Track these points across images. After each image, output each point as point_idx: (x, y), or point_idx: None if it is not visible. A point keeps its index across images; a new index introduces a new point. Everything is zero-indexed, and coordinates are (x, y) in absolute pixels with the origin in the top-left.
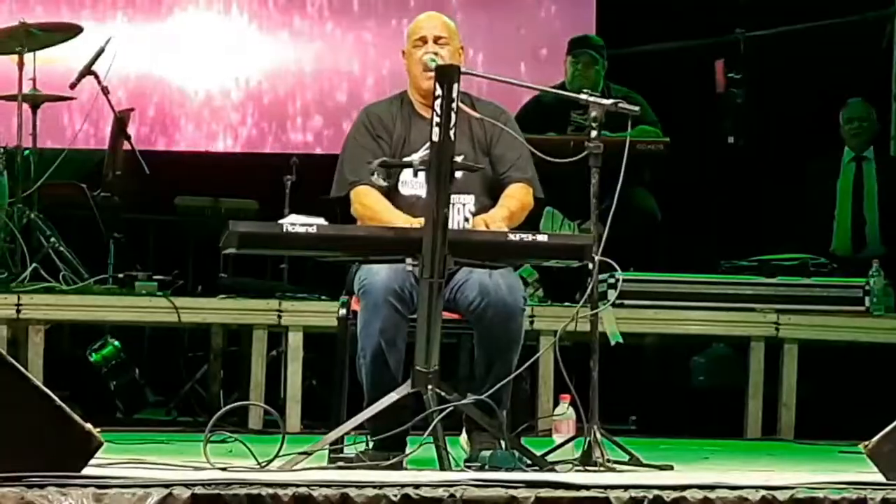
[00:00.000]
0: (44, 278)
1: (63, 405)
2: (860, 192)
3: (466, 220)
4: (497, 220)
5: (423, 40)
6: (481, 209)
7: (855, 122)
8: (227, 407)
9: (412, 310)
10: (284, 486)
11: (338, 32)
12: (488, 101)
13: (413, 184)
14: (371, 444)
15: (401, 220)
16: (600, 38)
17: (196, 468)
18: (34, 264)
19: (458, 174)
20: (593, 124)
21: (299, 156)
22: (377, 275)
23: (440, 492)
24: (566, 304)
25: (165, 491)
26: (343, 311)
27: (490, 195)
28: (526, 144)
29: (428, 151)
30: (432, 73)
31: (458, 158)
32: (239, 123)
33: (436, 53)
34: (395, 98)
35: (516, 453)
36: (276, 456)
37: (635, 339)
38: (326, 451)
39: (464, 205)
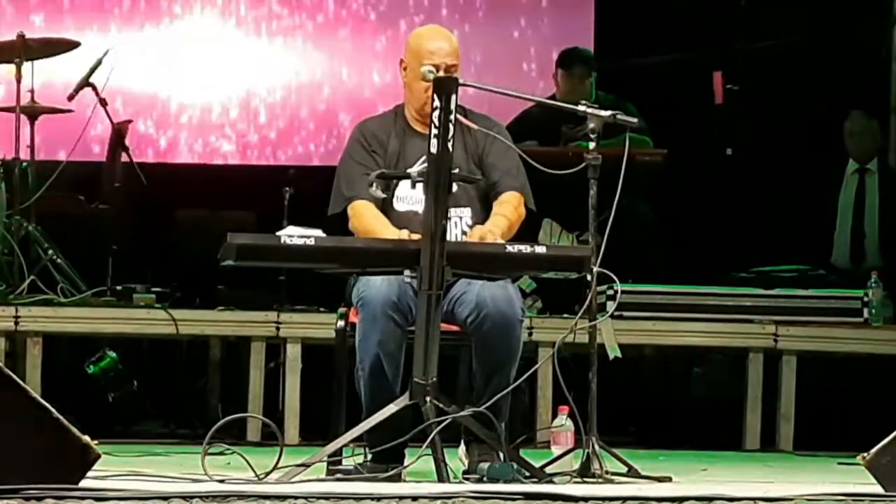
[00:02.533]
0: (42, 290)
1: (60, 417)
2: (861, 204)
3: (464, 233)
4: (496, 234)
5: (436, 68)
6: (478, 222)
7: (856, 135)
8: (226, 419)
9: (410, 322)
10: (282, 498)
11: (338, 43)
12: (481, 114)
13: (409, 199)
14: (369, 456)
15: (395, 234)
16: (591, 50)
17: (194, 480)
18: (32, 276)
19: (455, 187)
20: (592, 136)
21: (298, 168)
22: (375, 287)
23: None
24: (565, 315)
25: (163, 503)
26: (341, 323)
27: (486, 207)
28: (519, 153)
29: (425, 164)
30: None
31: (454, 170)
32: (237, 135)
33: None
34: (389, 113)
35: (515, 465)
36: (275, 468)
37: (634, 351)
38: (325, 464)
39: (461, 218)
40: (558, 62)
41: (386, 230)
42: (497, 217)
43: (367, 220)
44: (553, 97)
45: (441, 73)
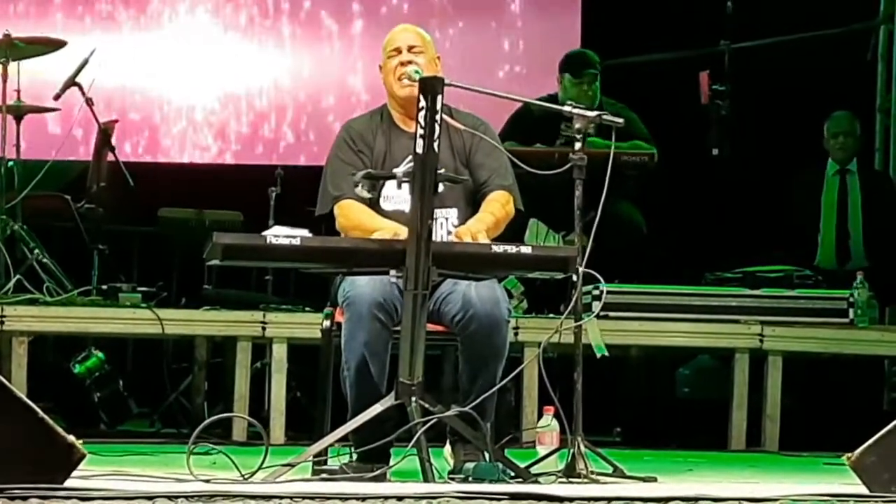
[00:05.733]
0: (27, 290)
1: (46, 417)
2: (845, 205)
3: (449, 233)
4: (482, 230)
5: (398, 51)
6: (464, 222)
7: (840, 137)
8: (211, 419)
9: (396, 322)
10: (268, 498)
11: (323, 44)
12: (467, 112)
13: (396, 199)
14: (355, 456)
15: (385, 225)
16: (596, 54)
17: (179, 480)
18: (18, 276)
19: (441, 188)
20: (577, 136)
21: (284, 167)
22: (361, 287)
23: None
24: (550, 315)
25: (148, 503)
26: (327, 323)
27: (473, 207)
28: (505, 153)
29: (411, 164)
30: (408, 83)
31: (440, 170)
32: (223, 135)
33: (410, 62)
34: (375, 112)
35: (500, 465)
36: (260, 468)
37: (620, 351)
38: (310, 463)
39: (446, 219)
40: (566, 66)
41: (375, 221)
42: (483, 213)
43: (354, 215)
44: (554, 96)
45: (405, 54)
